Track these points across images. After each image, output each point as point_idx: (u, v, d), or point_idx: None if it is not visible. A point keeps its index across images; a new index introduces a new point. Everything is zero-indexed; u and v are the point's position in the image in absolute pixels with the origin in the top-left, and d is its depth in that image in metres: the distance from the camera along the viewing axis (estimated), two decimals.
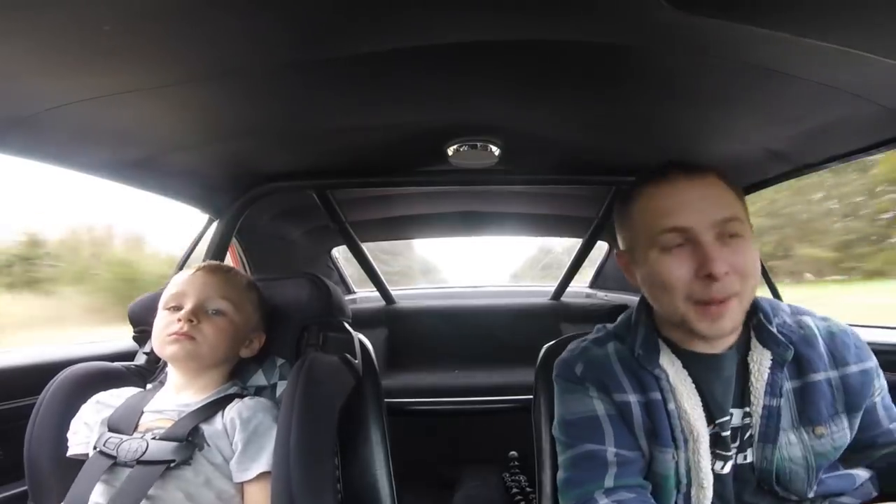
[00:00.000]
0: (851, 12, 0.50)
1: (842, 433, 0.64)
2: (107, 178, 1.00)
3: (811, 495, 0.64)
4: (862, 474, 0.68)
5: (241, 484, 0.75)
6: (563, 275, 2.02)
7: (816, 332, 0.67)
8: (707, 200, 0.61)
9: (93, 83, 0.67)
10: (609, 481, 0.64)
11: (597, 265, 2.25)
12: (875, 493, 0.69)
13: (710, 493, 0.63)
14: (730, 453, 0.65)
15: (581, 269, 2.01)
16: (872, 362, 0.66)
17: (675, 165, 0.65)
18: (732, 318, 0.60)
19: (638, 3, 0.52)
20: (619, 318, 0.76)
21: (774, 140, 0.95)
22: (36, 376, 0.88)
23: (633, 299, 2.03)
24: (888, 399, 0.68)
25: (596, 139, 1.05)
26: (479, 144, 1.03)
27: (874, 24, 0.52)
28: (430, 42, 0.62)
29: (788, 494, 0.64)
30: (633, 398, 0.67)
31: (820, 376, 0.64)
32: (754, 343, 0.66)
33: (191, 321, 0.78)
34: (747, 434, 0.65)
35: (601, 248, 2.15)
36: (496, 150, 1.05)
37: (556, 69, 0.71)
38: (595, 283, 2.28)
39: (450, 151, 1.06)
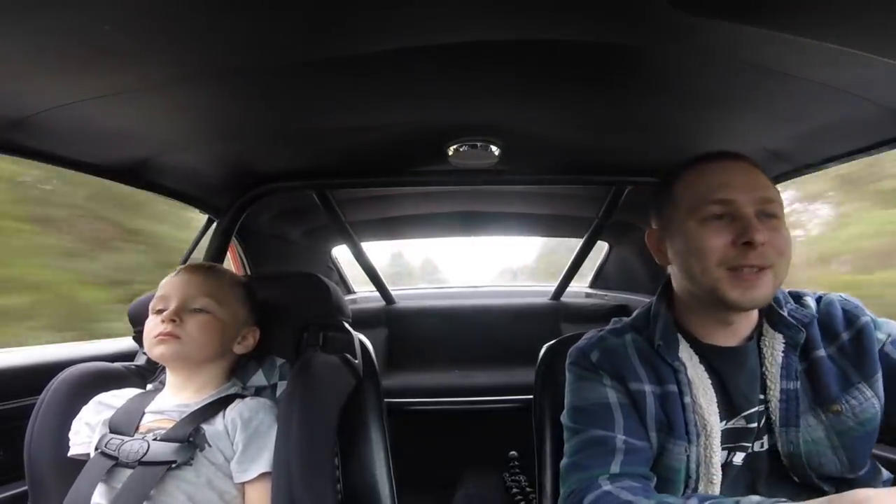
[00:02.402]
0: (851, 12, 0.50)
1: (865, 404, 0.62)
2: (107, 178, 1.00)
3: (853, 476, 0.63)
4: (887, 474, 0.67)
5: (243, 484, 0.75)
6: (562, 275, 2.02)
7: (814, 311, 0.68)
8: (751, 180, 0.64)
9: (93, 83, 0.67)
10: (615, 468, 0.63)
11: (597, 265, 2.24)
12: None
13: (717, 488, 0.63)
14: (749, 444, 0.65)
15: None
16: (863, 319, 0.66)
17: (724, 151, 0.68)
18: (766, 290, 0.61)
19: (639, 3, 0.52)
20: (636, 312, 0.76)
21: (774, 140, 0.95)
22: (36, 376, 0.88)
23: (633, 299, 2.03)
24: None
25: (596, 139, 1.05)
26: (479, 144, 1.03)
27: (874, 24, 0.52)
28: (430, 42, 0.62)
29: (822, 482, 0.63)
30: (648, 388, 0.67)
31: (821, 353, 0.65)
32: (766, 328, 0.67)
33: (174, 321, 0.78)
34: (763, 421, 0.65)
35: (601, 247, 2.15)
36: (496, 150, 1.05)
37: (556, 69, 0.71)
38: (595, 283, 2.28)
39: (450, 151, 1.06)
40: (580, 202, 1.67)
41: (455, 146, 1.04)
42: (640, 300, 1.84)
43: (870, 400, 0.63)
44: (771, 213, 0.62)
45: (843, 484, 0.64)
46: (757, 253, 0.59)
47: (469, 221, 1.91)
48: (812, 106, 0.77)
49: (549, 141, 1.05)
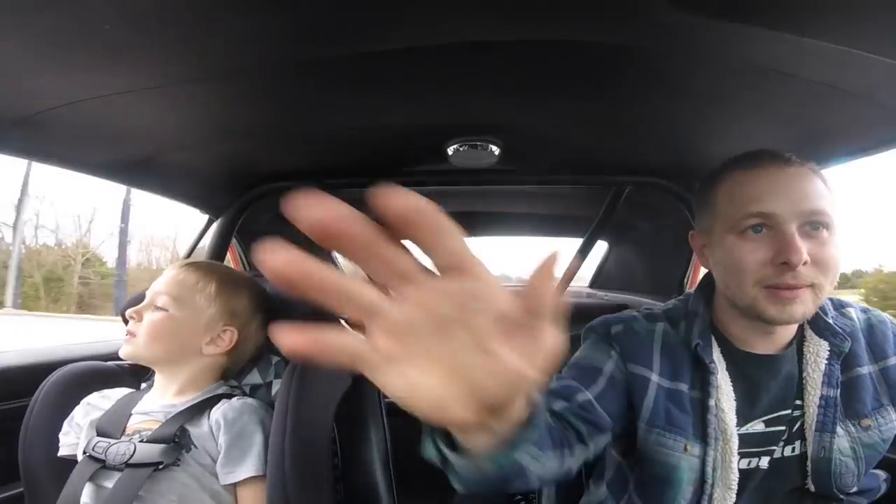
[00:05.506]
0: (851, 12, 0.50)
1: (890, 425, 0.63)
2: (107, 178, 1.00)
3: (854, 490, 0.64)
4: (880, 474, 0.68)
5: (234, 487, 0.74)
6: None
7: (858, 324, 0.66)
8: (796, 190, 0.59)
9: (93, 82, 0.67)
10: (558, 406, 0.60)
11: (597, 265, 2.24)
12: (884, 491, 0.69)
13: (734, 494, 0.63)
14: (776, 447, 0.64)
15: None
16: None
17: (768, 153, 0.63)
18: (805, 306, 0.58)
19: (639, 2, 0.52)
20: (671, 302, 0.74)
21: (774, 140, 0.94)
22: (30, 377, 0.88)
23: (633, 299, 2.02)
24: None
25: (596, 139, 1.05)
26: (479, 144, 1.03)
27: (874, 24, 0.52)
28: (430, 42, 0.62)
29: (832, 491, 0.63)
30: (654, 378, 0.65)
31: (864, 370, 0.64)
32: (809, 334, 0.65)
33: (133, 318, 0.79)
34: (796, 426, 0.64)
35: (600, 248, 2.15)
36: (496, 150, 1.05)
37: (556, 69, 0.71)
38: (595, 283, 2.27)
39: (450, 151, 1.05)
40: (580, 202, 1.67)
41: (455, 146, 1.04)
42: (640, 300, 1.84)
43: (893, 422, 0.63)
44: (818, 225, 0.58)
45: (853, 496, 0.64)
46: (794, 274, 0.56)
47: (469, 221, 1.91)
48: (812, 106, 0.77)
49: (549, 141, 1.05)
